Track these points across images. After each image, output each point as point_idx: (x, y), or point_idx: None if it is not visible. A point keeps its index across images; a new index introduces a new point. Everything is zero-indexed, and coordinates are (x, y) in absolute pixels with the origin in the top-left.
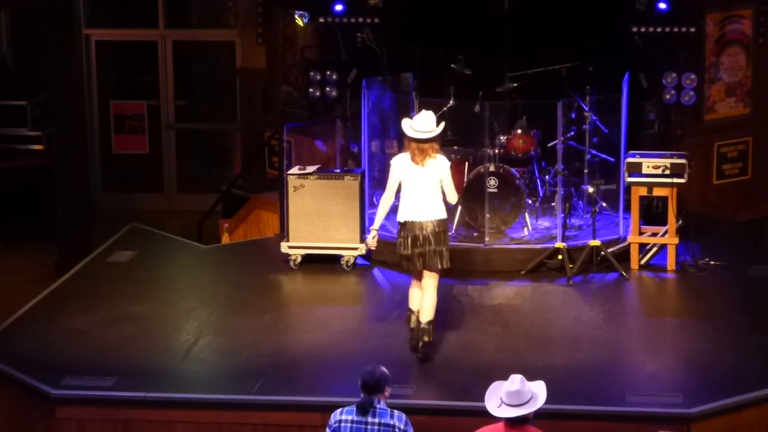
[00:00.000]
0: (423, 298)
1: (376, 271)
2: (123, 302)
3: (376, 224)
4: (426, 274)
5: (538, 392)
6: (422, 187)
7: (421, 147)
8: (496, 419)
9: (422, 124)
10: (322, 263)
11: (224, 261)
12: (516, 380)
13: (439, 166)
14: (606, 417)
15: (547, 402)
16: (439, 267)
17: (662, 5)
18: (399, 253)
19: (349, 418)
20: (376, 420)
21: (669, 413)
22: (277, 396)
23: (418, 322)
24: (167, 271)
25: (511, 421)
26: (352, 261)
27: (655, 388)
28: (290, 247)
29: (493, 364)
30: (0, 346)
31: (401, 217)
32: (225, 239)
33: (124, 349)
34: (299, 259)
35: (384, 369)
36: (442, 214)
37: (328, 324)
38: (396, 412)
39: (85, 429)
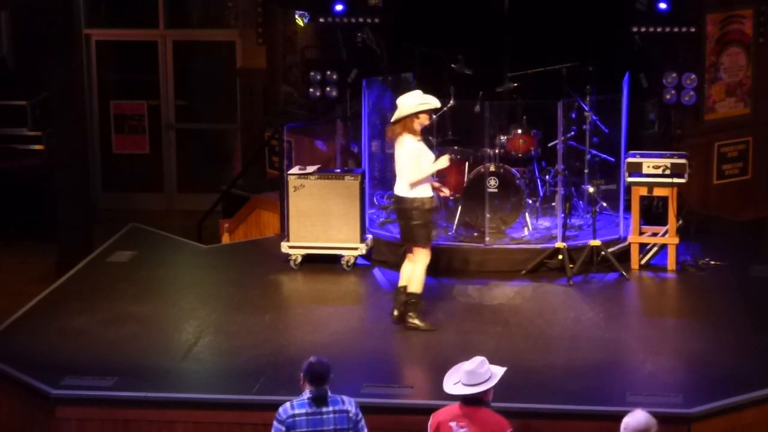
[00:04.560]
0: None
1: (376, 271)
2: (123, 302)
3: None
4: None
5: (497, 374)
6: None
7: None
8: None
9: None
10: (322, 263)
11: (224, 261)
12: (476, 361)
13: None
14: (606, 417)
15: (547, 402)
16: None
17: (662, 5)
18: None
19: (303, 411)
20: (331, 408)
21: (669, 413)
22: (277, 396)
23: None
24: (167, 271)
25: (465, 402)
26: (352, 261)
27: (655, 388)
28: (290, 247)
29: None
30: (0, 346)
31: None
32: (225, 239)
33: (124, 349)
34: (299, 259)
35: (322, 358)
36: (401, 192)
37: (328, 324)
38: (344, 397)
39: (85, 429)
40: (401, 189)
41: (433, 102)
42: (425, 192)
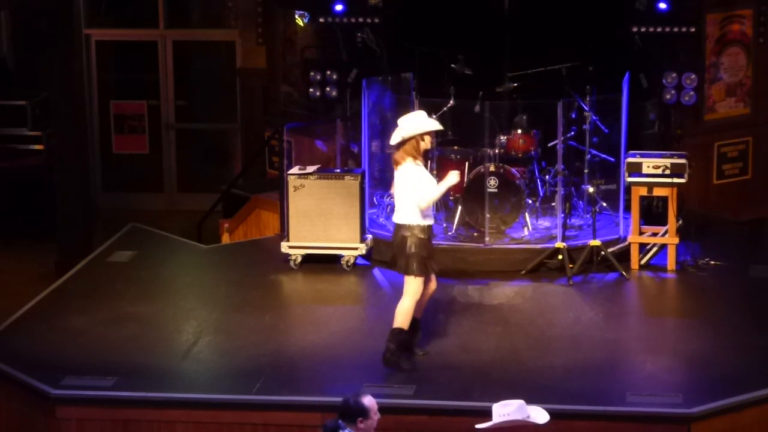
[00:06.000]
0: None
1: (376, 271)
2: (123, 302)
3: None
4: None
5: (529, 416)
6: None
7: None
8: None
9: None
10: (322, 263)
11: (224, 261)
12: (506, 402)
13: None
14: (606, 417)
15: (547, 402)
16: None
17: (662, 5)
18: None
19: None
20: None
21: (669, 413)
22: (277, 396)
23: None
24: (167, 271)
25: None
26: (352, 261)
27: (655, 388)
28: (290, 247)
29: (493, 364)
30: (0, 346)
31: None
32: (225, 239)
33: (124, 349)
34: (299, 259)
35: (366, 402)
36: (400, 219)
37: (328, 324)
38: None
39: (85, 429)
40: (400, 216)
41: (436, 123)
42: (425, 219)
